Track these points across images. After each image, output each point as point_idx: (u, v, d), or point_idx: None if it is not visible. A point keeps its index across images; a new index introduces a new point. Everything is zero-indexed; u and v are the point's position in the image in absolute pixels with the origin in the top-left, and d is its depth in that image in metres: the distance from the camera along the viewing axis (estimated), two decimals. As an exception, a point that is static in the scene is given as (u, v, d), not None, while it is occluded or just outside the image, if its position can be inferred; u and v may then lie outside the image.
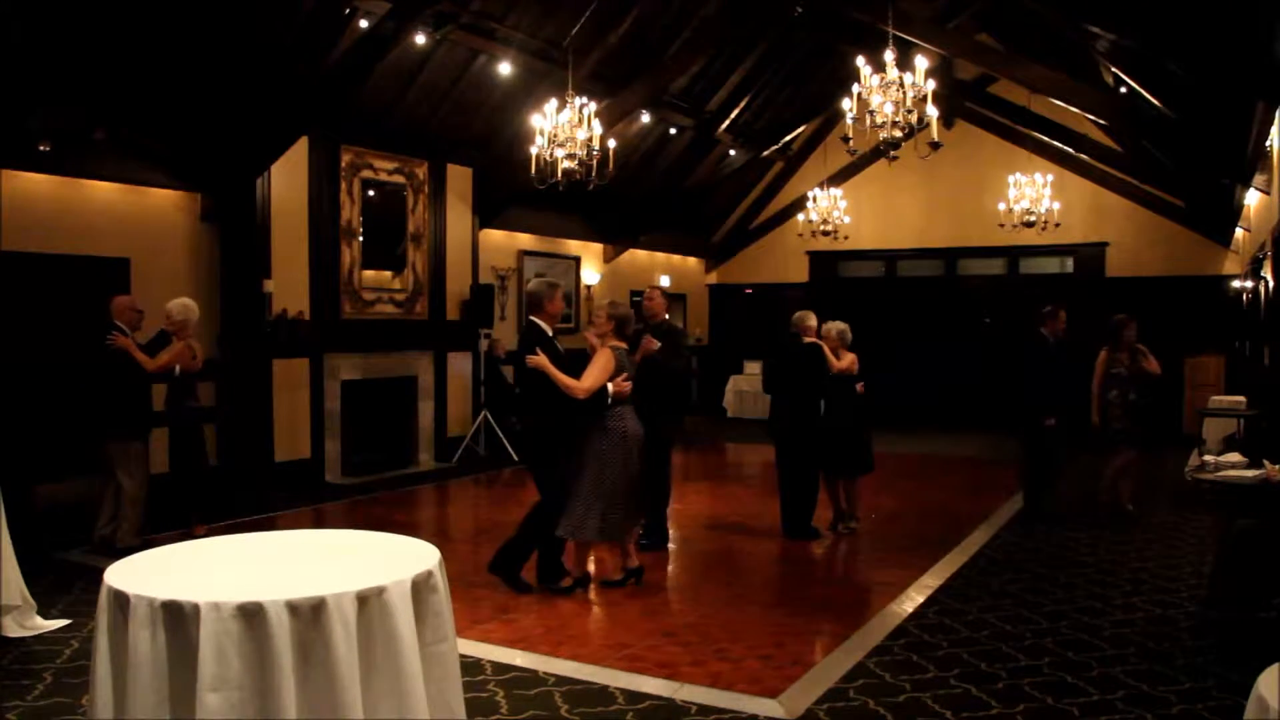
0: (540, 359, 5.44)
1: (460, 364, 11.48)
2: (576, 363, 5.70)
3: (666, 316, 7.12)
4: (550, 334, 5.68)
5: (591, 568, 5.97)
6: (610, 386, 5.51)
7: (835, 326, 7.51)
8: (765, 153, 14.96)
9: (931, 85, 7.32)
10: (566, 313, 13.88)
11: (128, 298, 6.97)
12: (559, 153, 8.39)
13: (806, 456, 7.20)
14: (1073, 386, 8.03)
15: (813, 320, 7.31)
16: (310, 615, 2.43)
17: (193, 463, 7.13)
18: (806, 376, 7.15)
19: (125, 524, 6.61)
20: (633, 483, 5.64)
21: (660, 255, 16.23)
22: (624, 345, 5.76)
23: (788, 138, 15.12)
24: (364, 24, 8.71)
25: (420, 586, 2.68)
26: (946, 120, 14.07)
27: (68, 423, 7.90)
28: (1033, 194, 12.29)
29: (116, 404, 6.61)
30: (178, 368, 6.74)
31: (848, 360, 7.39)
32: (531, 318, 5.74)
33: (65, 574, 6.01)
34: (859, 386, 7.49)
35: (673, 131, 13.66)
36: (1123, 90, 10.49)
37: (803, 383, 7.18)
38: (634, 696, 4.09)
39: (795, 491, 7.24)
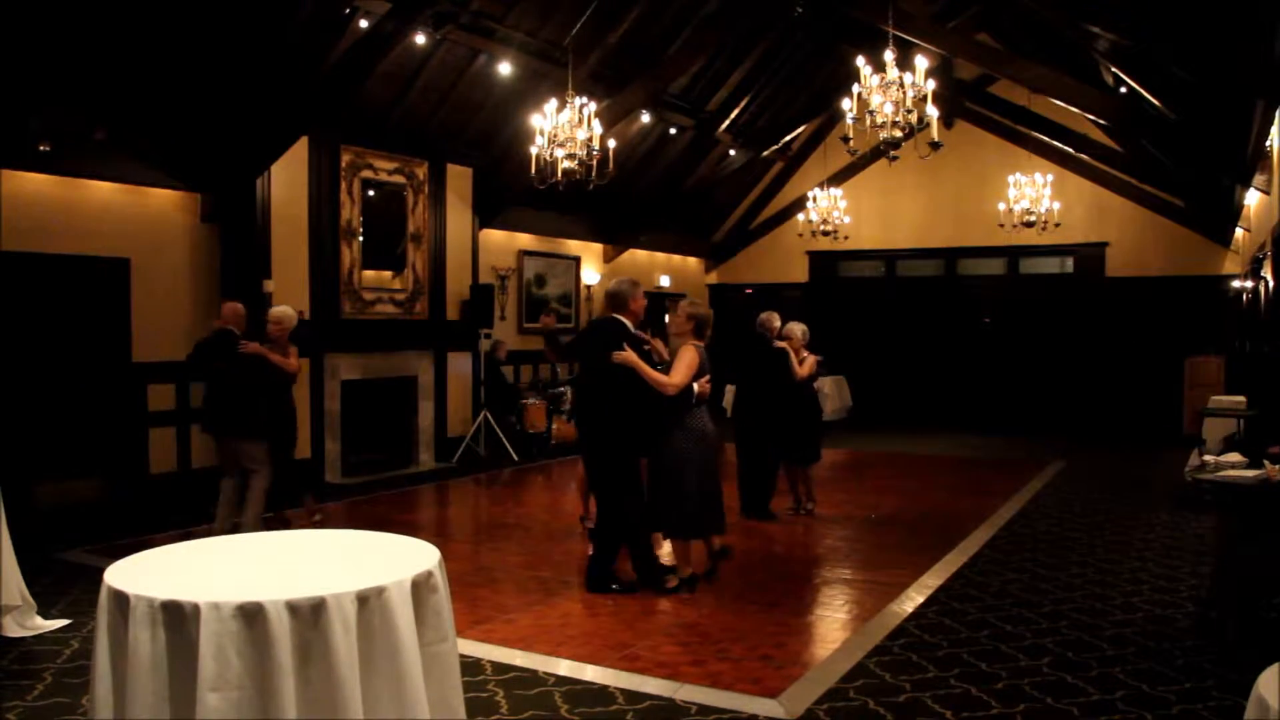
0: (629, 354, 5.42)
1: (460, 364, 11.48)
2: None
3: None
4: (634, 332, 5.67)
5: (665, 560, 5.90)
6: (695, 385, 5.53)
7: (799, 327, 7.91)
8: (765, 153, 14.96)
9: (931, 85, 7.32)
10: (567, 313, 13.89)
11: (236, 304, 7.09)
12: (559, 153, 8.39)
13: (766, 447, 7.73)
14: None
15: (777, 321, 7.78)
16: (310, 615, 2.43)
17: (292, 452, 7.35)
18: (772, 377, 7.58)
19: (251, 513, 6.73)
20: (714, 479, 5.68)
21: (660, 255, 16.23)
22: (702, 344, 5.74)
23: (788, 138, 15.12)
24: (364, 24, 8.71)
25: (420, 586, 2.68)
26: (946, 120, 14.08)
27: (63, 421, 7.92)
28: (1033, 194, 12.30)
29: (250, 406, 6.72)
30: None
31: (809, 364, 7.80)
32: (614, 315, 5.73)
33: (65, 574, 6.00)
34: (819, 384, 8.16)
35: (673, 131, 13.66)
36: (1123, 90, 10.50)
37: (768, 382, 7.60)
38: (634, 696, 4.09)
39: (754, 478, 7.79)
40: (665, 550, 6.02)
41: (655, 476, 5.60)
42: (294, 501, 7.48)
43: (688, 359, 5.55)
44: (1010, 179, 12.43)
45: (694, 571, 5.73)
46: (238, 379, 6.66)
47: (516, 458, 11.16)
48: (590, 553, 5.97)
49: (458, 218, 11.38)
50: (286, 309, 7.10)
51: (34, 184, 7.71)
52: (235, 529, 6.68)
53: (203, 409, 7.04)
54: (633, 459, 5.63)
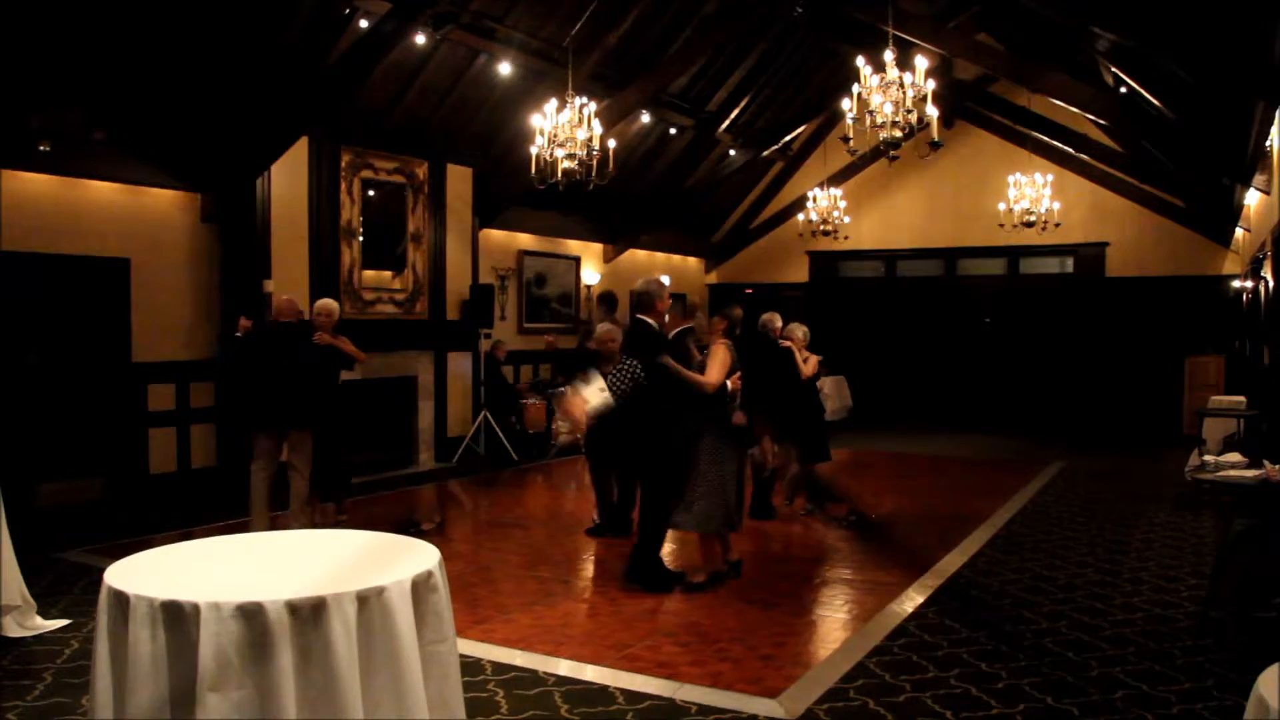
0: (665, 358, 5.51)
1: (460, 364, 11.48)
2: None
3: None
4: (660, 332, 5.72)
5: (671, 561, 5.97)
6: (728, 383, 5.61)
7: (800, 329, 7.97)
8: (765, 153, 14.95)
9: (931, 85, 7.32)
10: (568, 313, 13.89)
11: (290, 298, 7.16)
12: (559, 153, 8.39)
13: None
14: None
15: (779, 322, 7.82)
16: (310, 615, 2.43)
17: (345, 444, 7.43)
18: (778, 377, 7.60)
19: (296, 506, 6.78)
20: (739, 475, 5.76)
21: (660, 255, 16.23)
22: (731, 343, 5.84)
23: (788, 138, 15.12)
24: (364, 24, 8.71)
25: (420, 586, 2.67)
26: (946, 120, 14.04)
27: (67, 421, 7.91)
28: (1033, 194, 12.30)
29: (311, 396, 6.78)
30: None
31: (813, 364, 7.85)
32: (640, 316, 5.75)
33: (65, 574, 6.00)
34: (819, 384, 8.25)
35: (673, 131, 13.66)
36: (1123, 90, 10.50)
37: (773, 382, 7.59)
38: (634, 696, 4.09)
39: (756, 477, 7.71)
40: (665, 551, 6.03)
41: (689, 472, 5.63)
42: (336, 497, 7.50)
43: (720, 357, 5.65)
44: (1010, 179, 12.44)
45: (716, 569, 5.78)
46: (302, 370, 6.65)
47: (516, 458, 11.16)
48: (634, 545, 5.99)
49: (458, 218, 11.37)
50: (331, 301, 7.27)
51: (34, 184, 7.71)
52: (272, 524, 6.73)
53: (244, 403, 6.96)
54: (667, 459, 5.66)
